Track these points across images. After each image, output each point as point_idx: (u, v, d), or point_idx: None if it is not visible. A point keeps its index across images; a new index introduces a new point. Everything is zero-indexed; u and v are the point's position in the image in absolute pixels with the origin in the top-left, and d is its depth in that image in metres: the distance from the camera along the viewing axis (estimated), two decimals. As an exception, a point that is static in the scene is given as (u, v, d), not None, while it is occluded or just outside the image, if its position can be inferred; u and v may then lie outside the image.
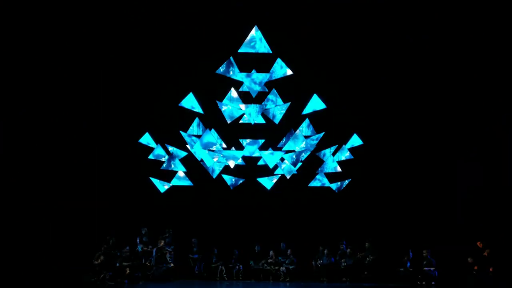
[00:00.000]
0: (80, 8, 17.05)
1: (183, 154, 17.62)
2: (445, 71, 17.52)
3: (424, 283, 15.97)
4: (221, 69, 16.84)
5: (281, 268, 17.17)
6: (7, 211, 17.13)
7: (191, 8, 17.12)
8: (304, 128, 17.33)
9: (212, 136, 17.04)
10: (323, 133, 17.36)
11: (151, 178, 17.79)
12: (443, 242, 17.15)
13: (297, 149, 17.22)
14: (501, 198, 17.17)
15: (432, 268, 16.07)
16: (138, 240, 16.79)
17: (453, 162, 17.92)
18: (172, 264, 16.71)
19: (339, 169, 17.72)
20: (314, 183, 17.91)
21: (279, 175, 17.81)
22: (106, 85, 17.88)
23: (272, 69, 16.89)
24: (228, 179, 17.95)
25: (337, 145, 17.66)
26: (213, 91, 17.44)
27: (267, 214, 18.50)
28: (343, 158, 17.65)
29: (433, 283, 15.97)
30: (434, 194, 18.00)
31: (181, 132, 17.28)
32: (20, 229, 17.20)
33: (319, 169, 17.77)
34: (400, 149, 18.18)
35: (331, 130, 17.60)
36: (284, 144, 17.42)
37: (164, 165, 17.62)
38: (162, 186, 17.84)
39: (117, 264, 15.49)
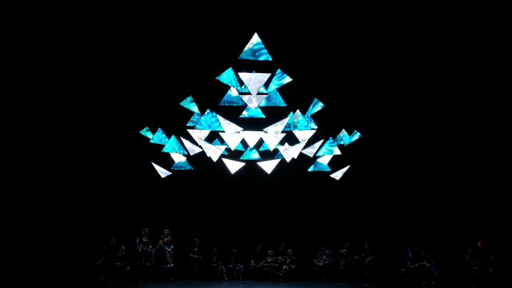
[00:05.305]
0: (81, 8, 17.05)
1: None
2: (445, 71, 17.51)
3: (424, 283, 15.97)
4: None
5: (284, 266, 17.17)
6: (6, 211, 17.14)
7: (190, 9, 17.11)
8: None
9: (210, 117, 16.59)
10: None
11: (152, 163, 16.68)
12: (443, 242, 17.16)
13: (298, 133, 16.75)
14: (501, 198, 17.17)
15: (431, 267, 16.09)
16: (138, 240, 16.82)
17: (453, 162, 17.91)
18: (172, 264, 16.74)
19: (338, 151, 16.36)
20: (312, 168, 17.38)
21: (279, 159, 17.59)
22: (106, 85, 17.90)
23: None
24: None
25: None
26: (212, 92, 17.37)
27: (267, 213, 18.52)
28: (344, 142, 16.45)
29: (433, 283, 15.98)
30: (434, 193, 18.01)
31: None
32: (20, 229, 17.22)
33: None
34: (400, 149, 18.19)
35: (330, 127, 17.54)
36: (285, 126, 16.98)
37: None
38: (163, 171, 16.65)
39: (117, 264, 15.53)
